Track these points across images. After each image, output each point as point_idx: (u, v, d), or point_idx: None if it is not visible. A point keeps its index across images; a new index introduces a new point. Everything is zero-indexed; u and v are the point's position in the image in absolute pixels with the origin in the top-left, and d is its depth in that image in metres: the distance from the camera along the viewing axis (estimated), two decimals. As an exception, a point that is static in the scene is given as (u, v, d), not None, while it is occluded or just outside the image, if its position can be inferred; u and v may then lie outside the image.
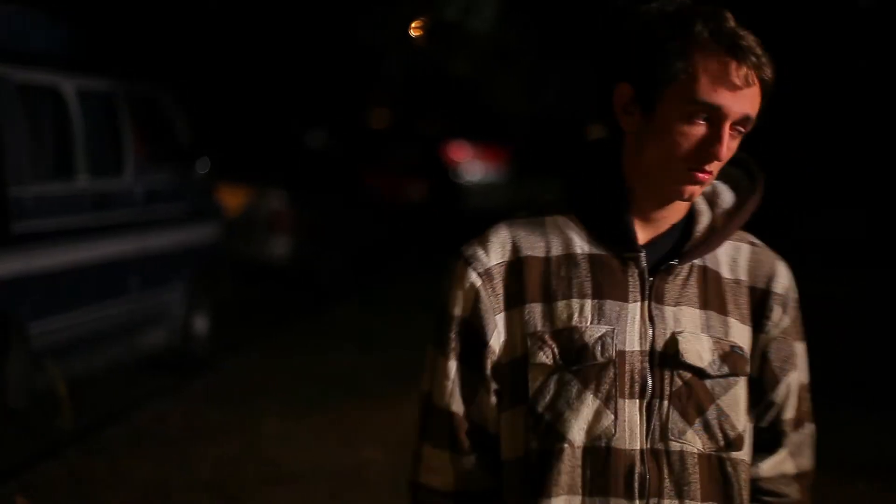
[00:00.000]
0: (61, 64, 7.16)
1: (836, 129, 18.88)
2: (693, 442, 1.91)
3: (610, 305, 1.88)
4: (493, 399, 1.91)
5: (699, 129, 1.79)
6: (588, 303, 1.88)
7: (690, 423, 1.91)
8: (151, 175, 8.09)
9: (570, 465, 1.86)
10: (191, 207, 8.67)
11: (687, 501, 1.91)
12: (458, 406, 1.93)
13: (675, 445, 1.89)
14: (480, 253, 1.92)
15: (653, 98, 1.80)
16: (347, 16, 19.85)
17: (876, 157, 18.28)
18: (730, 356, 1.93)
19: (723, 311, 1.95)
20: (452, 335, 1.92)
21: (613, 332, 1.87)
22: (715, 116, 1.79)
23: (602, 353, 1.87)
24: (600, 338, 1.87)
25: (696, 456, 1.91)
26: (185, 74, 15.10)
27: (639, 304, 1.89)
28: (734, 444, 1.94)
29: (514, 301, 1.89)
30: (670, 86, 1.78)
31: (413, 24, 17.22)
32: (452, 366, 1.92)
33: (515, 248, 1.91)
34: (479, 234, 1.95)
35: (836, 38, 17.27)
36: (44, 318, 6.66)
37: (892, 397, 8.33)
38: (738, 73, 1.78)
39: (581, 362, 1.87)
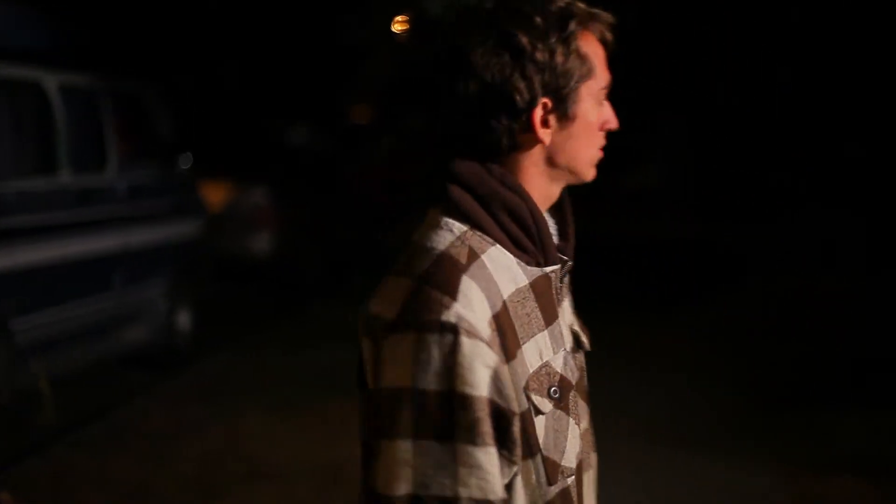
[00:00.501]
0: (44, 59, 7.14)
1: (834, 130, 18.94)
2: (585, 417, 1.97)
3: (556, 328, 1.84)
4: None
5: (605, 108, 1.85)
6: (545, 333, 1.81)
7: (587, 402, 1.98)
8: (134, 171, 8.08)
9: (573, 494, 1.85)
10: (174, 203, 8.66)
11: (590, 470, 1.99)
12: (502, 492, 1.71)
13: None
14: (474, 318, 1.68)
15: (572, 101, 1.79)
16: (330, 12, 19.83)
17: (874, 158, 18.35)
18: (583, 327, 2.02)
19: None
20: (486, 419, 1.67)
21: (565, 351, 1.85)
22: (607, 92, 1.86)
23: (573, 377, 1.85)
24: (564, 362, 1.83)
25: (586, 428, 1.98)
26: (169, 71, 15.06)
27: (560, 313, 1.88)
28: (587, 398, 2.01)
29: (507, 358, 1.72)
30: (584, 83, 1.79)
31: (396, 19, 17.21)
32: (492, 452, 1.69)
33: (491, 304, 1.72)
34: (447, 291, 1.69)
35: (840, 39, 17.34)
36: (27, 315, 6.65)
37: (885, 394, 8.40)
38: (610, 46, 1.84)
39: (565, 393, 1.82)
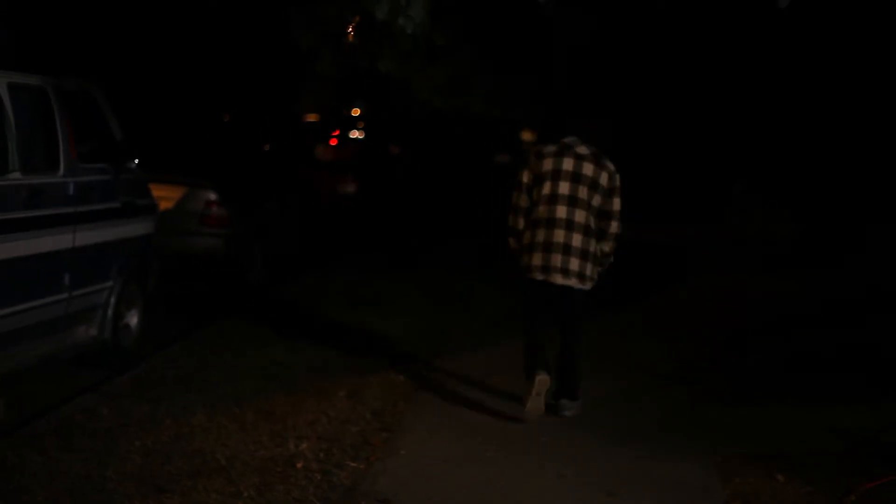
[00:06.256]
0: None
1: (772, 130, 19.10)
2: None
3: None
4: None
5: None
6: None
7: None
8: (84, 170, 8.10)
9: None
10: (123, 202, 8.68)
11: None
12: None
13: None
14: None
15: None
16: (278, 13, 19.82)
17: (810, 159, 18.53)
18: None
19: None
20: None
21: None
22: None
23: None
24: None
25: None
26: (118, 71, 15.04)
27: None
28: None
29: None
30: None
31: (350, 29, 17.29)
32: None
33: None
34: None
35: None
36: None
37: (817, 390, 8.60)
38: None
39: None
